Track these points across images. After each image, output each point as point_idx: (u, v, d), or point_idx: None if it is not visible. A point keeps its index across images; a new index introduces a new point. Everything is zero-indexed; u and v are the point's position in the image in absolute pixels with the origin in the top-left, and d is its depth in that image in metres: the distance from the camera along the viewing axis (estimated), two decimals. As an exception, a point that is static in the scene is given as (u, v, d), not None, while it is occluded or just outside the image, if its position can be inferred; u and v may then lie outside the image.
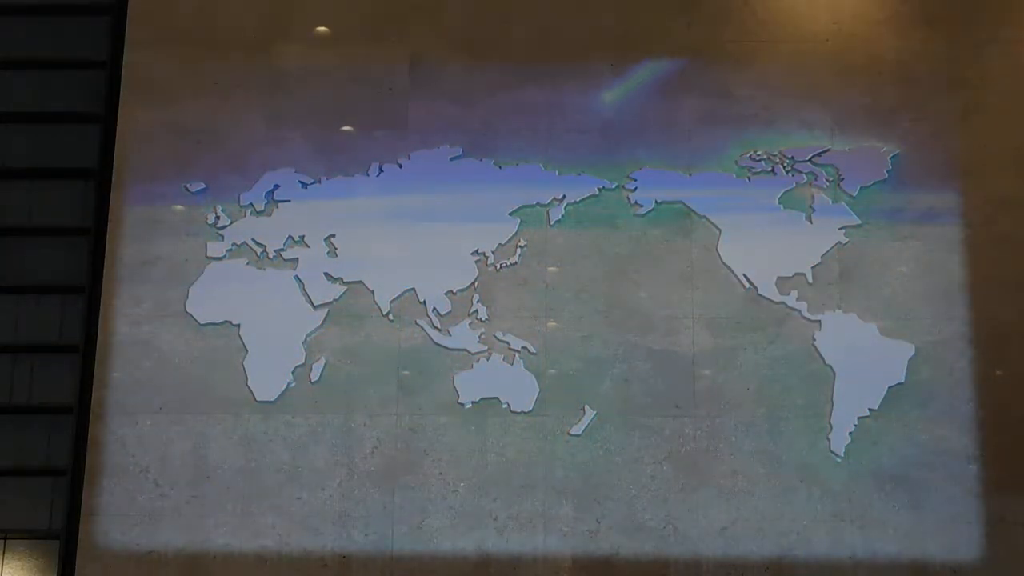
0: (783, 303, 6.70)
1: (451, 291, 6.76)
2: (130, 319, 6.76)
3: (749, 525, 6.47)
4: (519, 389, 6.63)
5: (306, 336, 6.73)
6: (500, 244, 6.81)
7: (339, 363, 6.70)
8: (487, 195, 6.88)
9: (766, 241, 6.77)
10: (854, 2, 7.06)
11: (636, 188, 6.86)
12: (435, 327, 6.71)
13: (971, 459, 6.50)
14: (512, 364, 6.67)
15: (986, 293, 6.67)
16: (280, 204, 6.90)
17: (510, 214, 6.85)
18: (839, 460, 6.52)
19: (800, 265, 6.74)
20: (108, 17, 7.25)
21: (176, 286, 6.80)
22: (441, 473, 6.57)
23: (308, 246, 6.84)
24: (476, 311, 6.73)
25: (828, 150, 6.87)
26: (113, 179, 6.95)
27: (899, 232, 6.77)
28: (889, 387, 6.58)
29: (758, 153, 6.88)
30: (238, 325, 6.74)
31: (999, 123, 6.87)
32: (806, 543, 6.45)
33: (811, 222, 6.80)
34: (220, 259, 6.84)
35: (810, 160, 6.86)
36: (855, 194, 6.81)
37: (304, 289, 6.78)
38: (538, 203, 6.86)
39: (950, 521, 6.44)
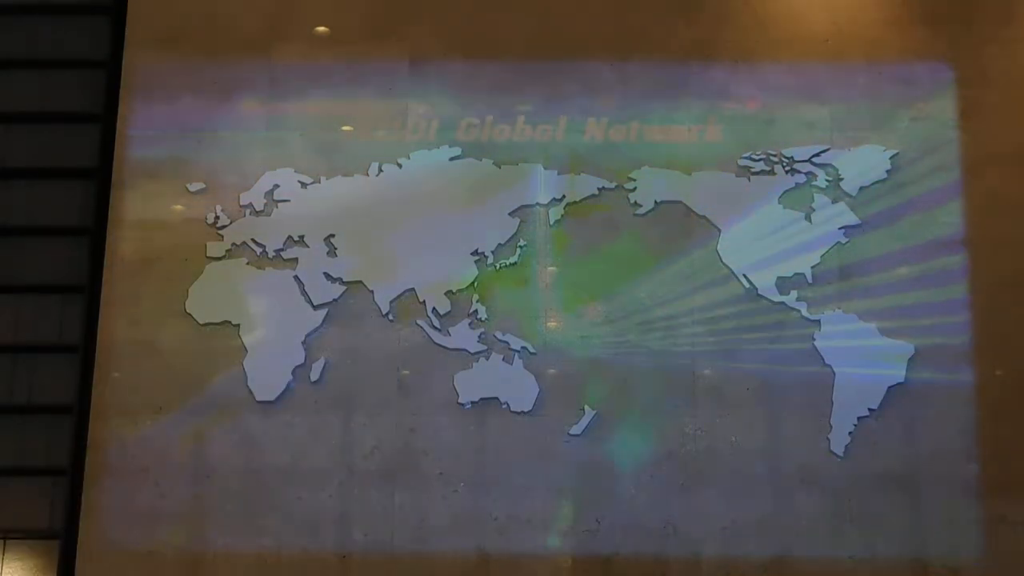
0: (783, 303, 6.70)
1: (451, 291, 6.76)
2: (130, 319, 6.76)
3: (749, 525, 6.47)
4: (519, 389, 6.63)
5: (306, 336, 6.73)
6: (500, 244, 6.81)
7: (339, 363, 6.70)
8: (487, 195, 6.88)
9: (766, 241, 6.77)
10: (854, 2, 7.06)
11: (636, 188, 6.86)
12: (435, 327, 6.71)
13: (971, 459, 6.50)
14: (512, 364, 6.67)
15: (986, 293, 6.68)
16: (280, 204, 6.90)
17: (510, 214, 6.85)
18: (839, 460, 6.52)
19: (800, 265, 6.74)
20: (108, 17, 7.25)
21: (176, 286, 6.79)
22: (441, 473, 6.57)
23: (308, 246, 6.83)
24: (476, 311, 6.73)
25: (828, 150, 6.88)
26: (113, 179, 6.95)
27: (899, 232, 6.77)
28: (889, 387, 6.58)
29: (758, 153, 6.88)
30: (238, 325, 6.74)
31: (999, 123, 6.88)
32: (806, 543, 6.45)
33: (811, 222, 6.80)
34: (220, 259, 6.83)
35: (810, 160, 6.86)
36: (855, 194, 6.81)
37: (304, 289, 6.78)
38: (538, 203, 6.86)
39: (950, 521, 6.44)
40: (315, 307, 6.76)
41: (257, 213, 6.89)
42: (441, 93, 7.00)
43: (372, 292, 6.77)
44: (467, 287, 6.76)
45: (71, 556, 6.55)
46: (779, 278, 6.73)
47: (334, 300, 6.77)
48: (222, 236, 6.86)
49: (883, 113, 6.92)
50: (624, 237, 6.82)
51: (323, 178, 6.92)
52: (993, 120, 6.88)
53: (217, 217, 6.88)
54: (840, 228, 6.78)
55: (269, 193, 6.91)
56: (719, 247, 6.78)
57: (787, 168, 6.86)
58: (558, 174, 6.89)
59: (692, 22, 7.05)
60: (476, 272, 6.78)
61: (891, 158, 6.85)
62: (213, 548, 6.51)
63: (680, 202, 6.85)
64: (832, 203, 6.81)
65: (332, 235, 6.84)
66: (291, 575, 6.47)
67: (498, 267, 6.79)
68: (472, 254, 6.80)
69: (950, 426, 6.54)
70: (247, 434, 6.63)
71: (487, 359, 6.68)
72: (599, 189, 6.87)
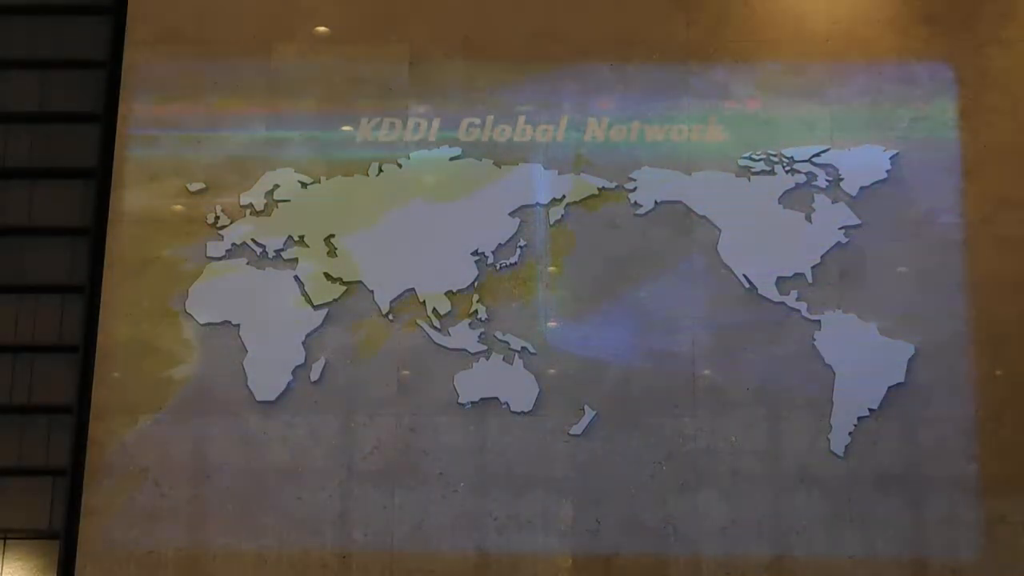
0: (783, 303, 6.70)
1: (451, 291, 6.76)
2: (130, 319, 6.76)
3: (749, 525, 6.47)
4: (519, 389, 6.63)
5: (306, 336, 6.72)
6: (500, 244, 6.81)
7: (339, 363, 6.70)
8: (487, 195, 6.88)
9: (766, 241, 6.77)
10: (854, 2, 7.06)
11: (636, 188, 6.86)
12: (435, 327, 6.71)
13: (971, 459, 6.50)
14: (512, 364, 6.67)
15: (986, 293, 6.68)
16: (280, 204, 6.90)
17: (510, 214, 6.85)
18: (839, 460, 6.51)
19: (800, 265, 6.73)
20: (108, 17, 7.25)
21: (176, 286, 6.79)
22: (441, 473, 6.57)
23: (308, 246, 6.84)
24: (476, 311, 6.73)
25: (828, 150, 6.87)
26: (113, 179, 6.95)
27: (899, 232, 6.77)
28: (889, 387, 6.58)
29: (758, 153, 6.88)
30: (238, 325, 6.74)
31: (999, 123, 6.88)
32: (806, 543, 6.45)
33: (811, 222, 6.80)
34: (220, 259, 6.83)
35: (810, 160, 6.86)
36: (855, 194, 6.81)
37: (304, 289, 6.78)
38: (538, 203, 6.86)
39: (950, 521, 6.44)
40: (315, 307, 6.76)
41: (257, 213, 6.89)
42: (441, 93, 7.00)
43: (372, 292, 6.77)
44: (467, 287, 6.76)
45: (71, 556, 6.55)
46: (779, 278, 6.73)
47: (334, 300, 6.77)
48: (222, 236, 6.86)
49: (883, 113, 6.92)
50: (624, 237, 6.82)
51: (323, 178, 6.92)
52: (993, 120, 6.88)
53: (217, 217, 6.88)
54: (840, 228, 6.78)
55: (269, 193, 6.91)
56: (719, 247, 6.78)
57: (787, 168, 6.86)
58: (558, 174, 6.89)
59: (692, 22, 7.05)
60: (476, 272, 6.78)
61: (891, 158, 6.85)
62: (213, 548, 6.51)
63: (680, 202, 6.85)
64: (832, 203, 6.81)
65: (332, 235, 6.84)
66: (291, 575, 6.47)
67: (498, 267, 6.79)
68: (472, 254, 6.80)
69: (950, 426, 6.54)
70: (247, 434, 6.63)
71: (487, 359, 6.68)
72: (599, 189, 6.87)
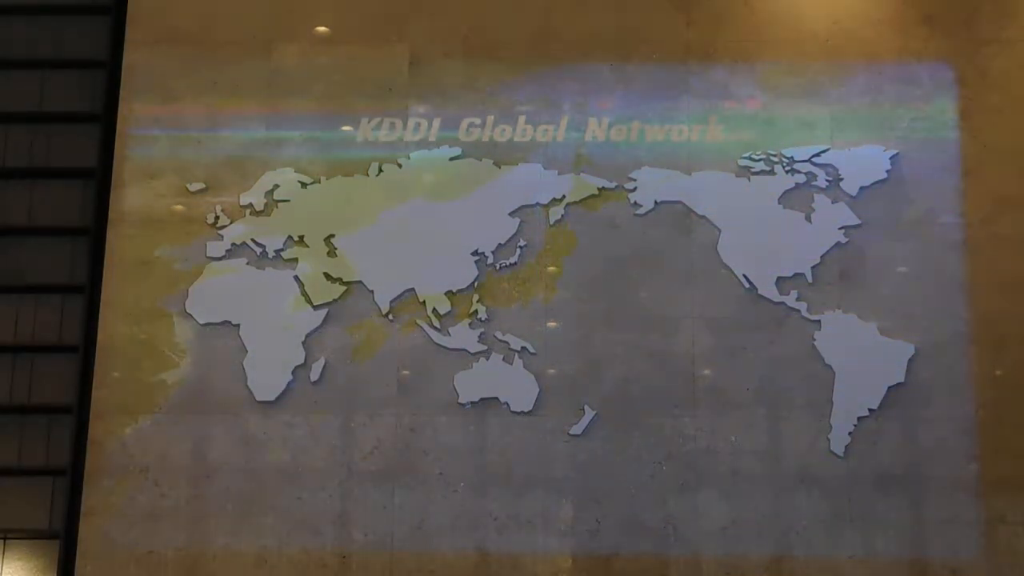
0: (783, 303, 6.70)
1: (451, 291, 6.75)
2: (130, 319, 6.76)
3: (749, 525, 6.47)
4: (519, 389, 6.63)
5: (306, 336, 6.72)
6: (500, 244, 6.81)
7: (339, 363, 6.70)
8: (487, 195, 6.88)
9: (766, 241, 6.77)
10: (854, 1, 7.06)
11: (636, 188, 6.86)
12: (435, 327, 6.71)
13: (971, 459, 6.50)
14: (512, 364, 6.67)
15: (986, 293, 6.68)
16: (280, 204, 6.90)
17: (510, 214, 6.84)
18: (839, 460, 6.51)
19: (800, 265, 6.73)
20: (108, 17, 7.25)
21: (176, 286, 6.79)
22: (441, 473, 6.57)
23: (308, 246, 6.83)
24: (476, 311, 6.73)
25: (828, 150, 6.87)
26: (113, 179, 6.95)
27: (899, 232, 6.77)
28: (889, 387, 6.58)
29: (758, 153, 6.88)
30: (238, 325, 6.74)
31: (999, 123, 6.88)
32: (806, 543, 6.45)
33: (811, 222, 6.80)
34: (220, 259, 6.83)
35: (810, 160, 6.86)
36: (855, 194, 6.81)
37: (304, 289, 6.78)
38: (538, 203, 6.86)
39: (950, 521, 6.44)
40: (315, 307, 6.76)
41: (257, 213, 6.89)
42: (441, 93, 7.00)
43: (372, 292, 6.77)
44: (467, 287, 6.76)
45: (71, 556, 6.55)
46: (779, 278, 6.73)
47: (334, 300, 6.77)
48: (222, 236, 6.86)
49: (883, 113, 6.92)
50: (624, 237, 6.81)
51: (323, 178, 6.92)
52: (993, 120, 6.88)
53: (217, 217, 6.88)
54: (840, 228, 6.78)
55: (269, 193, 6.91)
56: (719, 247, 6.78)
57: (787, 168, 6.86)
58: (558, 174, 6.89)
59: (692, 22, 7.05)
60: (476, 272, 6.78)
61: (891, 158, 6.85)
62: (213, 548, 6.51)
63: (680, 202, 6.85)
64: (832, 203, 6.81)
65: (332, 235, 6.84)
66: (291, 575, 6.47)
67: (498, 267, 6.79)
68: (472, 254, 6.80)
69: (950, 426, 6.54)
70: (247, 434, 6.63)
71: (487, 359, 6.68)
72: (599, 189, 6.87)
